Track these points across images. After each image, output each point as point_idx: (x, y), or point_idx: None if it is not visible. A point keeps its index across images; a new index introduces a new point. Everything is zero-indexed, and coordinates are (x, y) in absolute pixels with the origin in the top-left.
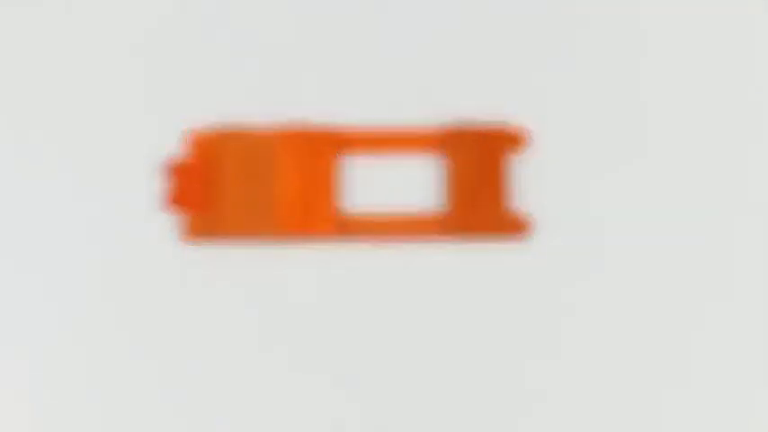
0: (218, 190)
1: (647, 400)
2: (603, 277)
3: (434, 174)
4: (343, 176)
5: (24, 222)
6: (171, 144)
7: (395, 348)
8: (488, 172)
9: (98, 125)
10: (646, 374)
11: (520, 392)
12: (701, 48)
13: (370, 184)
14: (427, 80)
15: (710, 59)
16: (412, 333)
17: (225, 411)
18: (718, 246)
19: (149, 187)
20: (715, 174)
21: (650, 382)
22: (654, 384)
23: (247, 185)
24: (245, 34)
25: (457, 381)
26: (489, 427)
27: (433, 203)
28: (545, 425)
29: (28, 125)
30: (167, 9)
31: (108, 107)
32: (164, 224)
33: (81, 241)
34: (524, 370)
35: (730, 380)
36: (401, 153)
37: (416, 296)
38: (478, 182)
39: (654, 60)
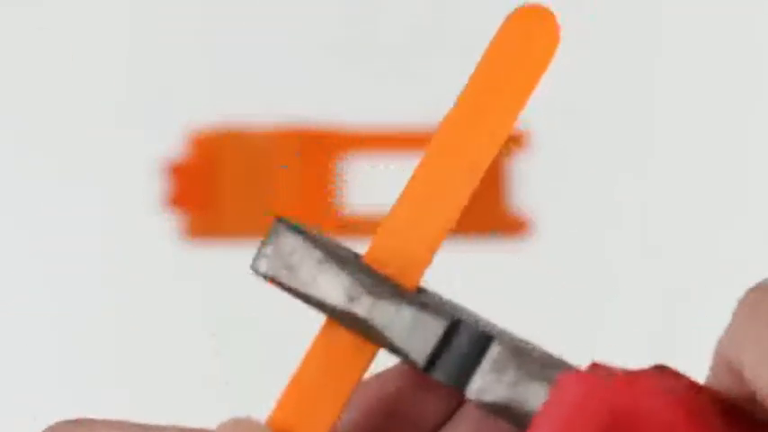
0: (218, 190)
1: None
2: (603, 277)
3: None
4: (343, 176)
5: (24, 223)
6: (171, 144)
7: None
8: (488, 172)
9: (98, 125)
10: None
11: None
12: (702, 48)
13: (370, 184)
14: (427, 80)
15: (713, 60)
16: None
17: (225, 410)
18: (720, 246)
19: (149, 187)
20: (716, 174)
21: None
22: None
23: (247, 185)
24: (245, 34)
25: None
26: None
27: None
28: None
29: (28, 125)
30: (168, 9)
31: (108, 107)
32: (164, 224)
33: (81, 241)
34: None
35: None
36: (401, 153)
37: None
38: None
39: (654, 60)
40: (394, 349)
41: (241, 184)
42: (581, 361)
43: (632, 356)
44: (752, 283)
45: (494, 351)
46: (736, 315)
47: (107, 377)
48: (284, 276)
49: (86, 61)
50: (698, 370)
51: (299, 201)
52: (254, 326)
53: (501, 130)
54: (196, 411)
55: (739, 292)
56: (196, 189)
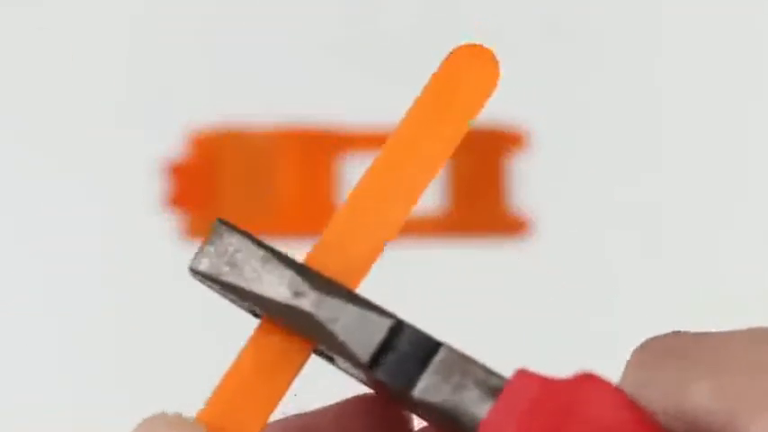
0: (218, 190)
1: None
2: (603, 276)
3: None
4: (343, 176)
5: (24, 223)
6: (171, 144)
7: None
8: (488, 172)
9: (98, 125)
10: None
11: None
12: (703, 48)
13: None
14: (427, 80)
15: (714, 60)
16: None
17: None
18: (721, 246)
19: (149, 187)
20: (717, 174)
21: None
22: None
23: (247, 185)
24: (245, 34)
25: None
26: None
27: (433, 203)
28: None
29: (28, 125)
30: (168, 9)
31: (108, 107)
32: (164, 224)
33: (81, 241)
34: None
35: None
36: None
37: (415, 296)
38: (478, 181)
39: (654, 60)
40: (337, 346)
41: (241, 184)
42: (580, 361)
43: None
44: (748, 286)
45: (441, 354)
46: (631, 365)
47: (107, 377)
48: (227, 274)
49: (86, 61)
50: None
51: (299, 201)
52: (253, 325)
53: (438, 158)
54: (195, 410)
55: (739, 293)
56: (196, 189)
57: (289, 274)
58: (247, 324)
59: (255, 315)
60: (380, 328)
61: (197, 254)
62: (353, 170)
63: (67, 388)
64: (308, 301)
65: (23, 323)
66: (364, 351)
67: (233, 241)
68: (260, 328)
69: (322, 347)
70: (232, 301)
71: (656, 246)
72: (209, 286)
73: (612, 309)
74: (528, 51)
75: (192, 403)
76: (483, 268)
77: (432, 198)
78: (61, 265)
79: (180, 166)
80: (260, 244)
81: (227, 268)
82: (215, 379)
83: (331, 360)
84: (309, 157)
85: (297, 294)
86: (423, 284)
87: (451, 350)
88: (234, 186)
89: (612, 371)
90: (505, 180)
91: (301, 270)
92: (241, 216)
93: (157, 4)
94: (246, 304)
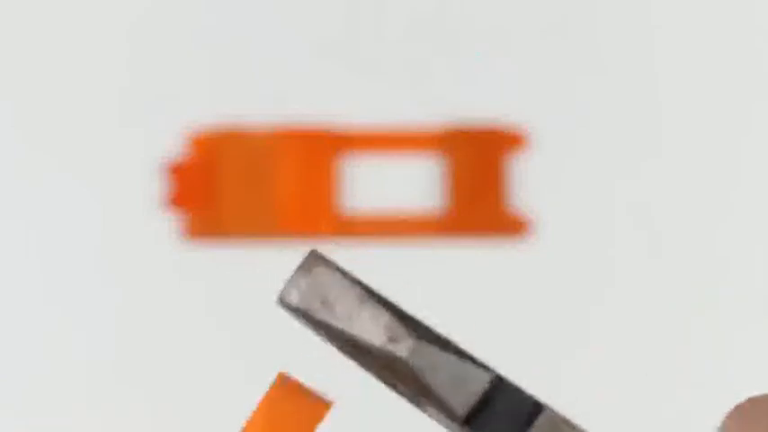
0: (218, 190)
1: (649, 401)
2: (603, 277)
3: (434, 174)
4: (343, 176)
5: (24, 223)
6: (171, 144)
7: None
8: (488, 172)
9: (98, 125)
10: (646, 376)
11: None
12: (703, 46)
13: (370, 184)
14: (427, 80)
15: (714, 58)
16: None
17: (223, 412)
18: (722, 246)
19: (149, 187)
20: (717, 173)
21: (651, 383)
22: (656, 385)
23: (247, 185)
24: (245, 34)
25: None
26: None
27: (432, 203)
28: None
29: (28, 126)
30: (168, 9)
31: (108, 107)
32: (164, 224)
33: (80, 241)
34: (523, 370)
35: (734, 375)
36: (401, 153)
37: (415, 296)
38: (478, 182)
39: (654, 59)
40: (432, 396)
41: (241, 184)
42: (580, 360)
43: (632, 357)
44: (748, 286)
45: (542, 417)
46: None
47: (106, 377)
48: (318, 311)
49: (86, 61)
50: (699, 368)
51: (299, 201)
52: (254, 325)
53: None
54: (196, 411)
55: (740, 294)
56: (196, 189)
57: (384, 316)
58: (247, 324)
59: (342, 350)
60: (479, 382)
61: (287, 284)
62: (353, 170)
63: (67, 388)
64: (405, 348)
65: (23, 323)
66: (461, 405)
67: (326, 276)
68: (273, 388)
69: (414, 395)
70: (319, 335)
71: (656, 246)
72: (296, 319)
73: (612, 309)
74: (528, 51)
75: (191, 403)
76: (483, 268)
77: (431, 198)
78: (61, 266)
79: (180, 166)
80: (353, 280)
81: (318, 304)
82: (213, 377)
83: (420, 406)
84: (309, 157)
85: (392, 339)
86: (422, 284)
87: (553, 414)
88: (234, 186)
89: (612, 370)
90: (505, 180)
91: (398, 312)
92: (241, 216)
93: (157, 4)
94: (336, 343)
